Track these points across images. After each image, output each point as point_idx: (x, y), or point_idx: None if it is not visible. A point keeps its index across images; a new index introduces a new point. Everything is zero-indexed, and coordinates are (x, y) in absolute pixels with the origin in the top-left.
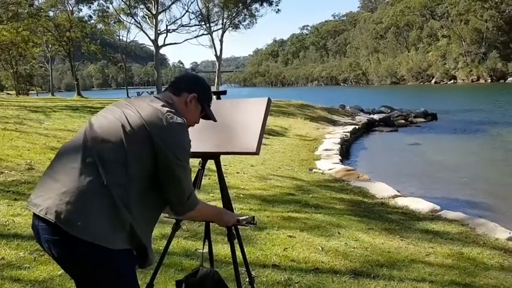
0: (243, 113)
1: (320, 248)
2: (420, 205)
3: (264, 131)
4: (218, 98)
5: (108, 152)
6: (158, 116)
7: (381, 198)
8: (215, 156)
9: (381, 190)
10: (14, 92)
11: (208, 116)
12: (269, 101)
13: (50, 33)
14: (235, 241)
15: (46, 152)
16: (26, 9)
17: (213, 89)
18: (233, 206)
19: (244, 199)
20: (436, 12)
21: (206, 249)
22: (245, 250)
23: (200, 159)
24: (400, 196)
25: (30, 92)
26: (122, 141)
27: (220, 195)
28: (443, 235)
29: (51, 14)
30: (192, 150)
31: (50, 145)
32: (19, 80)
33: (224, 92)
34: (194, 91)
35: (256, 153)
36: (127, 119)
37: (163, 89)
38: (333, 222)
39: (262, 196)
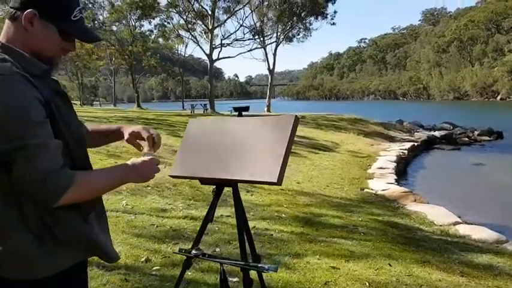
0: (265, 132)
1: (367, 284)
2: (484, 234)
3: (289, 155)
4: (240, 114)
5: None
6: None
7: (440, 225)
8: (232, 184)
9: (440, 216)
10: (79, 102)
11: (78, 36)
12: (296, 119)
13: (113, 47)
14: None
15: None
16: (90, 24)
17: (265, 101)
18: (273, 226)
19: (285, 220)
20: (502, 26)
21: None
22: (281, 279)
23: (214, 186)
24: (461, 223)
25: (95, 102)
26: None
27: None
28: (510, 271)
29: (114, 28)
30: (205, 176)
31: (104, 152)
32: (84, 91)
33: (246, 109)
34: (30, 5)
35: (278, 183)
36: None
37: None
38: (384, 252)
39: (305, 217)
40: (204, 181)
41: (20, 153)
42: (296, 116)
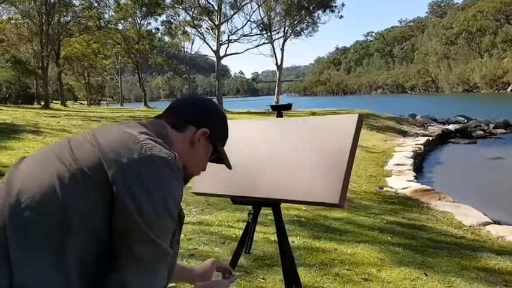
0: (319, 139)
1: None
2: None
3: (351, 169)
4: (279, 115)
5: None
6: (127, 144)
7: (470, 226)
8: (274, 204)
9: (468, 215)
10: (86, 102)
11: (222, 160)
12: (360, 119)
13: (119, 46)
14: None
15: None
16: (96, 22)
17: (274, 98)
18: (293, 232)
19: (305, 225)
20: (511, 17)
21: None
22: None
23: (250, 206)
24: (491, 223)
25: (102, 102)
26: (56, 195)
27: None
28: None
29: (120, 27)
30: (239, 194)
31: None
32: (91, 91)
33: (289, 107)
34: (205, 125)
35: (340, 205)
36: (72, 153)
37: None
38: (416, 259)
39: (327, 221)
40: (238, 200)
41: (146, 249)
42: (360, 115)
